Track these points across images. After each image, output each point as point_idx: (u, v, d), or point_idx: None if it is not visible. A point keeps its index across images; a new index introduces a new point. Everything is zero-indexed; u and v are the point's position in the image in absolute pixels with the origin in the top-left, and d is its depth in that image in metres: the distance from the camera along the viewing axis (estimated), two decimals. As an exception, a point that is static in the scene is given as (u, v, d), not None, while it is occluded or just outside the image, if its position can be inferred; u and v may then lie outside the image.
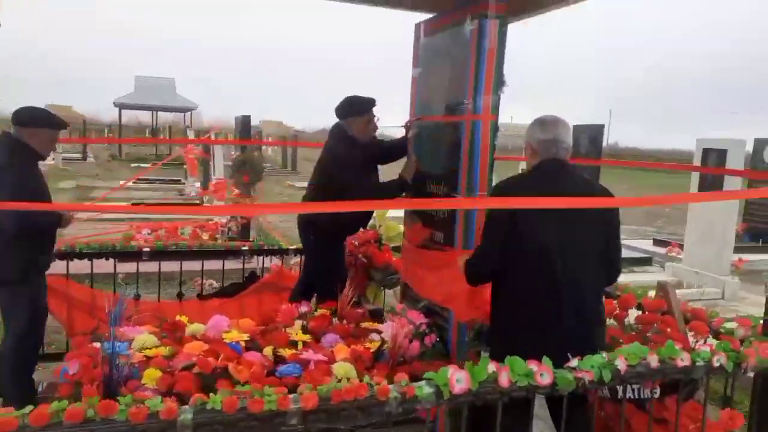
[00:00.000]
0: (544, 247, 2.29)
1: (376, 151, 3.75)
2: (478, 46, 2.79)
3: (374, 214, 4.41)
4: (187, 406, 1.71)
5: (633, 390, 2.58)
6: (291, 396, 1.80)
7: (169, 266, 4.34)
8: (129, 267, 4.26)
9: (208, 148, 14.68)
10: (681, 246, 7.71)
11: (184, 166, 16.41)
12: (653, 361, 2.23)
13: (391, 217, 4.39)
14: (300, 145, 21.75)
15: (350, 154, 3.52)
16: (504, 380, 2.01)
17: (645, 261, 8.50)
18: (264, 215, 8.30)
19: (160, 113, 30.80)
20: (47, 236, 3.23)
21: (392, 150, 3.77)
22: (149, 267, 4.24)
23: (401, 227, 4.43)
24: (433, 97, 3.28)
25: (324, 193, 3.59)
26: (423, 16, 3.49)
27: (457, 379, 1.96)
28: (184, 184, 16.33)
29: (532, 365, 2.06)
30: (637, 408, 2.59)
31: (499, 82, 2.83)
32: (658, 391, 2.57)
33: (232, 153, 8.53)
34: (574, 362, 2.14)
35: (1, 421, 1.52)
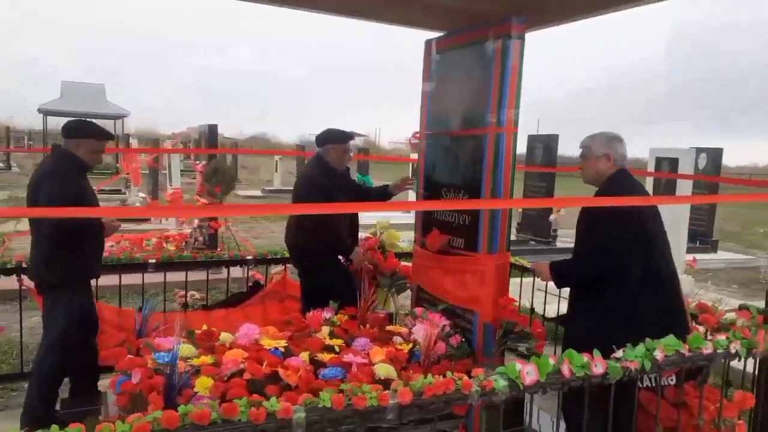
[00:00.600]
0: (663, 243, 2.86)
1: (350, 186, 4.15)
2: (503, 64, 3.00)
3: (376, 223, 4.55)
4: (298, 405, 1.80)
5: (650, 379, 2.84)
6: (389, 392, 1.92)
7: (139, 278, 4.17)
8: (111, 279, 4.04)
9: (157, 158, 14.34)
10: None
11: (125, 176, 15.93)
12: (685, 351, 2.49)
13: (390, 225, 4.53)
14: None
15: (323, 177, 3.86)
16: (566, 371, 2.21)
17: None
18: (230, 226, 8.24)
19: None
20: (92, 244, 3.25)
21: (371, 193, 4.27)
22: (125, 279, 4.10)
23: (400, 234, 4.61)
24: (449, 110, 3.46)
25: (301, 218, 3.87)
26: (430, 33, 3.69)
27: (528, 371, 2.14)
28: (125, 194, 15.85)
29: (587, 357, 2.28)
30: (654, 395, 2.85)
31: (519, 97, 3.06)
32: (674, 378, 2.85)
33: (197, 162, 8.41)
34: (619, 353, 2.37)
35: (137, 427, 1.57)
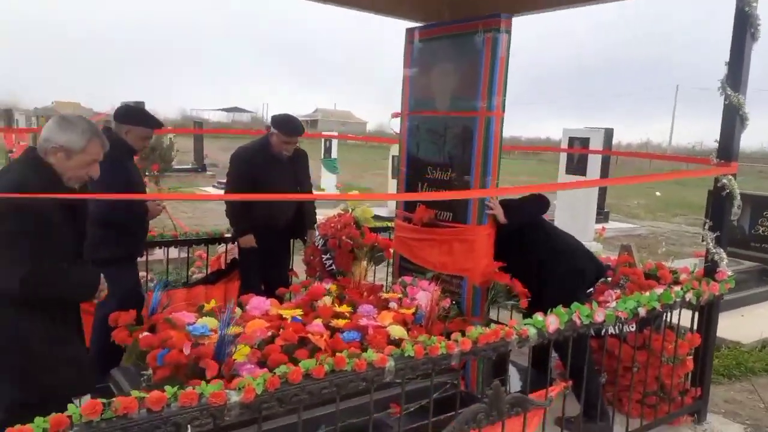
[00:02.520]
0: None
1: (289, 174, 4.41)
2: (492, 56, 3.35)
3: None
4: (390, 356, 2.07)
5: (614, 327, 3.38)
6: (454, 342, 2.24)
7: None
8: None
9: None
10: (552, 220, 9.09)
11: (9, 155, 14.72)
12: (658, 305, 3.02)
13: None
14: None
15: (255, 153, 4.32)
16: (576, 320, 2.65)
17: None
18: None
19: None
20: (138, 225, 3.44)
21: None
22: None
23: (374, 211, 4.88)
24: (434, 94, 3.76)
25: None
26: (408, 23, 3.98)
27: (551, 321, 2.56)
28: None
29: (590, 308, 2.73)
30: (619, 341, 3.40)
31: (507, 85, 3.43)
32: (635, 326, 3.41)
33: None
34: (612, 304, 2.84)
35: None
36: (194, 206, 12.38)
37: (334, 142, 14.88)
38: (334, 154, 14.57)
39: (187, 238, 4.48)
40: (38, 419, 1.50)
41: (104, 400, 1.58)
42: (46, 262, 2.13)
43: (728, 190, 3.32)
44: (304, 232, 4.67)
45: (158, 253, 5.20)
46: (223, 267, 4.65)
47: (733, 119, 3.31)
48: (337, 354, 1.99)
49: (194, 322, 3.05)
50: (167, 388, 1.68)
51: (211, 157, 20.31)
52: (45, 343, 2.22)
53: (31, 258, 2.08)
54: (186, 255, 4.87)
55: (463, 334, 2.40)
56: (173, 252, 5.15)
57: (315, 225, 4.63)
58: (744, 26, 3.22)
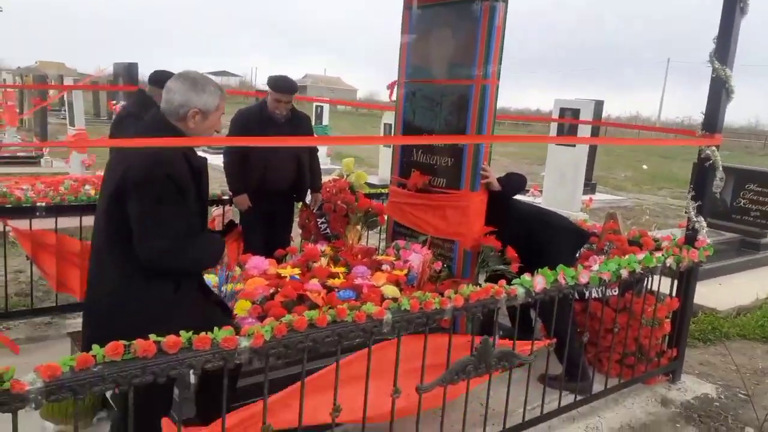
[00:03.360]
0: None
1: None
2: (489, 25, 3.41)
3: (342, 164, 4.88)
4: (387, 309, 2.20)
5: (597, 291, 3.54)
6: (447, 299, 2.38)
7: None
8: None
9: (45, 96, 13.24)
10: (541, 191, 9.24)
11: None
12: (638, 266, 3.17)
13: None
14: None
15: (251, 115, 4.43)
16: (562, 280, 2.79)
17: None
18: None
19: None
20: None
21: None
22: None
23: (368, 175, 4.98)
24: (431, 61, 3.83)
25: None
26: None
27: (538, 281, 2.70)
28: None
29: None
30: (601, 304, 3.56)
31: (502, 54, 3.51)
32: (617, 290, 3.57)
33: (115, 103, 8.05)
34: (596, 267, 2.99)
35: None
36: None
37: (325, 109, 14.84)
38: (325, 121, 14.54)
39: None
40: (65, 357, 1.61)
41: (125, 342, 1.69)
42: (183, 232, 2.10)
43: (711, 161, 3.45)
44: (304, 195, 4.71)
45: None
46: (219, 229, 4.74)
47: (719, 92, 3.43)
48: (339, 306, 2.12)
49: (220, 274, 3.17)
50: (182, 333, 1.80)
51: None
52: (198, 306, 2.25)
53: (172, 228, 2.05)
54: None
55: (456, 292, 2.55)
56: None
57: (319, 189, 4.70)
58: (734, 0, 3.31)
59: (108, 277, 2.14)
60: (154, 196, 2.02)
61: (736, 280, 6.18)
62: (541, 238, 3.57)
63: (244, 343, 1.86)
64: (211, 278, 3.13)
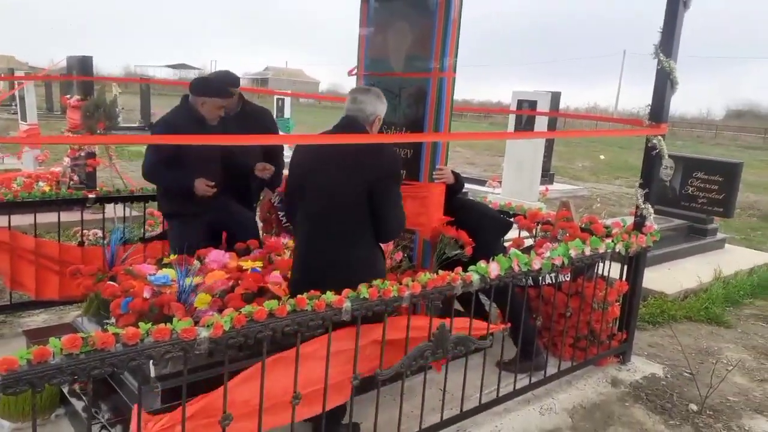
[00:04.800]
0: None
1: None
2: (446, 18, 3.47)
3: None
4: (347, 297, 2.25)
5: (550, 277, 3.67)
6: (405, 286, 2.44)
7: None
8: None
9: (-7, 88, 12.78)
10: (500, 182, 9.41)
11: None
12: (587, 249, 3.30)
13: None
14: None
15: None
16: (516, 266, 2.89)
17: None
18: (114, 162, 7.92)
19: None
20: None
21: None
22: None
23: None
24: (389, 54, 3.88)
25: None
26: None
27: (493, 268, 2.79)
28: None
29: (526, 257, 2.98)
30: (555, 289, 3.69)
31: (458, 47, 3.58)
32: (569, 275, 3.71)
33: (69, 97, 7.83)
34: (548, 253, 3.10)
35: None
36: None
37: (287, 102, 14.74)
38: (287, 114, 14.45)
39: (143, 194, 4.48)
40: (21, 350, 1.62)
41: (84, 334, 1.70)
42: None
43: (658, 150, 3.60)
44: (254, 200, 4.42)
45: (109, 212, 5.18)
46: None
47: (664, 83, 3.57)
48: (299, 296, 2.16)
49: (155, 273, 3.16)
50: (141, 324, 1.82)
51: (158, 115, 19.76)
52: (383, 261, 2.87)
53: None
54: (139, 213, 4.86)
55: (413, 280, 2.61)
56: (126, 211, 5.14)
57: (279, 184, 4.39)
58: (677, -6, 3.45)
59: (344, 249, 2.66)
60: (398, 185, 2.80)
61: (685, 264, 6.44)
62: (470, 225, 3.64)
63: (204, 333, 1.89)
64: (169, 272, 3.13)
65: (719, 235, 7.56)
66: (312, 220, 2.74)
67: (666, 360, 4.24)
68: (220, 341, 1.93)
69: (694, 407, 3.54)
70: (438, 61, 3.53)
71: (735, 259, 6.90)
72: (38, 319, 4.19)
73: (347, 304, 2.23)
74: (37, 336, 3.32)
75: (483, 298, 3.82)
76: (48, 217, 4.19)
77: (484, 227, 3.63)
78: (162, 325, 1.84)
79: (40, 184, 7.09)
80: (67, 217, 4.39)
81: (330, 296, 2.21)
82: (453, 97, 3.63)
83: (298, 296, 2.17)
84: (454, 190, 3.73)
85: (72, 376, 1.67)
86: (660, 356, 4.31)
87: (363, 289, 2.31)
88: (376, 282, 2.39)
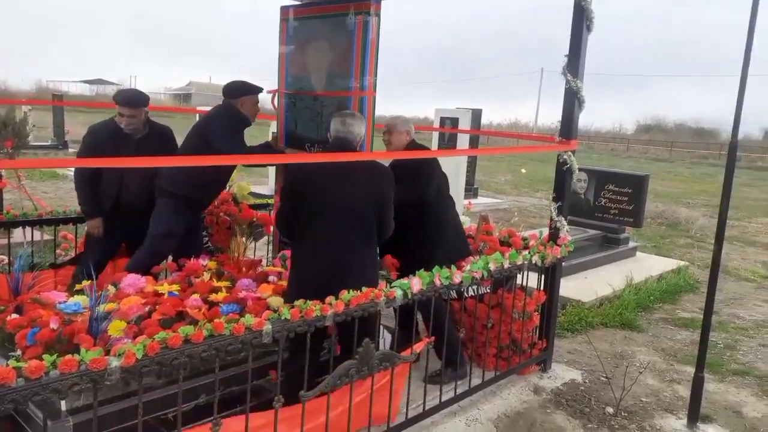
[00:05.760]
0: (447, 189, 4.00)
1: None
2: (364, 38, 3.54)
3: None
4: (266, 320, 2.22)
5: (472, 289, 3.76)
6: (328, 305, 2.44)
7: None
8: None
9: None
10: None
11: None
12: (506, 263, 3.41)
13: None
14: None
15: (236, 128, 3.88)
16: (437, 281, 2.95)
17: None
18: (23, 183, 7.48)
19: None
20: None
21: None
22: None
23: (251, 187, 4.94)
24: (310, 72, 3.90)
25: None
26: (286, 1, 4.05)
27: (415, 282, 2.83)
28: None
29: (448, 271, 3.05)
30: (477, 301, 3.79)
31: (377, 66, 3.64)
32: (489, 287, 3.82)
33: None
34: (468, 267, 3.19)
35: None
36: (56, 186, 11.56)
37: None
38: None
39: (53, 217, 4.25)
40: None
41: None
42: None
43: (568, 165, 3.79)
44: None
45: (18, 236, 4.91)
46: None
47: (572, 102, 3.77)
48: (216, 320, 2.11)
49: (65, 301, 3.01)
50: (45, 356, 1.72)
51: (73, 133, 18.82)
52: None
53: None
54: (51, 237, 4.62)
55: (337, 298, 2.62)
56: (36, 235, 4.87)
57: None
58: (581, 19, 3.66)
59: (357, 255, 2.95)
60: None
61: (601, 272, 6.77)
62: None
63: (114, 362, 1.81)
64: (81, 299, 2.99)
65: (631, 244, 8.00)
66: (334, 231, 2.96)
67: (584, 366, 4.43)
68: (132, 370, 1.86)
69: (610, 410, 3.71)
70: (358, 80, 3.58)
71: (645, 266, 7.31)
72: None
73: (267, 327, 2.20)
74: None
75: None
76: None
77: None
78: (69, 356, 1.75)
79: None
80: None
81: (250, 319, 2.17)
82: (374, 115, 3.69)
83: (216, 320, 2.12)
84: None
85: (-33, 416, 1.55)
86: (579, 362, 4.49)
87: (285, 310, 2.29)
88: (299, 301, 2.38)
